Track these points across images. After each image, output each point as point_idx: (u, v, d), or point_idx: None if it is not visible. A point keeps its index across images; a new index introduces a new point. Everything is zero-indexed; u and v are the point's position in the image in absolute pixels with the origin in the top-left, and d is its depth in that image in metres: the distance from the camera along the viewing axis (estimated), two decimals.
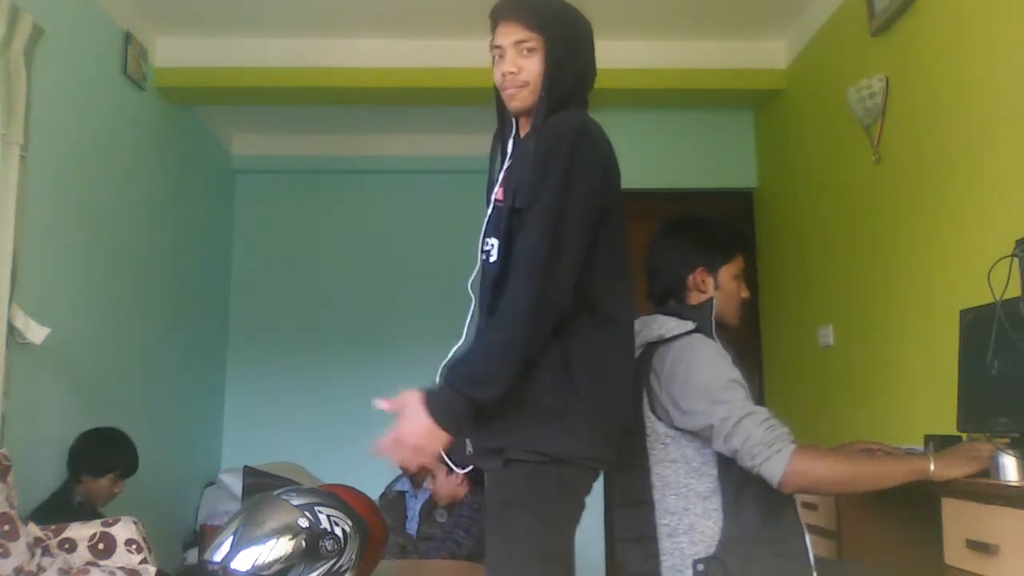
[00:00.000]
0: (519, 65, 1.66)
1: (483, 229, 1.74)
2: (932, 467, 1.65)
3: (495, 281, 1.62)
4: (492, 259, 1.66)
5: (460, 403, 1.47)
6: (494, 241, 1.66)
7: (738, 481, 1.73)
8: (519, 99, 1.68)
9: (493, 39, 1.71)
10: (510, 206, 1.62)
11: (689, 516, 1.75)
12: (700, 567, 1.71)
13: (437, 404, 1.48)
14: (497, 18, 1.71)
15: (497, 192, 1.71)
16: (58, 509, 2.77)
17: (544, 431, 1.54)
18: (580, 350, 1.57)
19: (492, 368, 1.49)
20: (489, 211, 1.73)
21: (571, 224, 1.54)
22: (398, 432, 1.49)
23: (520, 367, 1.50)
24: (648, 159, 4.25)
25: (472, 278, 1.76)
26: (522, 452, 1.53)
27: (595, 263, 1.60)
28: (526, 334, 1.50)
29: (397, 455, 1.51)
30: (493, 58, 1.72)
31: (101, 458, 3.01)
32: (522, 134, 1.75)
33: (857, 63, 3.29)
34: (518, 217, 1.59)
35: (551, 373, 1.55)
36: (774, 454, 1.64)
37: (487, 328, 1.57)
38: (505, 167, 1.73)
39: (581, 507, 1.62)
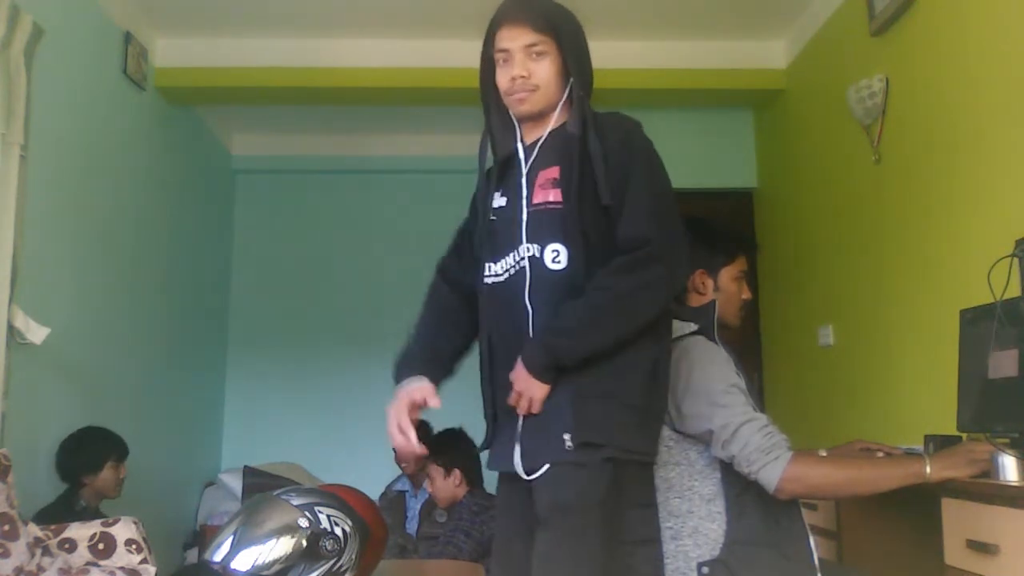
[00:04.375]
0: (529, 69, 1.64)
1: (522, 233, 1.64)
2: (928, 469, 1.65)
3: (567, 286, 1.59)
4: (560, 265, 1.60)
5: (540, 352, 1.55)
6: (559, 246, 1.60)
7: (742, 483, 1.72)
8: (530, 103, 1.66)
9: (496, 43, 1.68)
10: (574, 207, 1.59)
11: (693, 519, 1.75)
12: (705, 570, 1.71)
13: (526, 353, 1.57)
14: (501, 22, 1.68)
15: (547, 194, 1.64)
16: (61, 516, 2.76)
17: (636, 430, 1.58)
18: (664, 350, 1.64)
19: (584, 326, 1.54)
20: (525, 216, 1.65)
21: (672, 213, 1.62)
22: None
23: (609, 339, 1.53)
24: None
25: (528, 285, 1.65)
26: (619, 450, 1.54)
27: None
28: (629, 319, 1.54)
29: (514, 400, 1.59)
30: (496, 62, 1.69)
31: (92, 452, 3.01)
32: (527, 138, 1.72)
33: (857, 63, 3.29)
34: (600, 215, 1.60)
35: (644, 372, 1.58)
36: (771, 461, 1.64)
37: (589, 294, 1.56)
38: (538, 168, 1.68)
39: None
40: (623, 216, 1.57)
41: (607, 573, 1.52)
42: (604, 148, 1.60)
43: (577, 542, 1.52)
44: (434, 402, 1.69)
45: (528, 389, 1.56)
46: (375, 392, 5.04)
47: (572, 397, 1.55)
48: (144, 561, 2.54)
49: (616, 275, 1.55)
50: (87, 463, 3.00)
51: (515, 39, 1.65)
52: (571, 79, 1.67)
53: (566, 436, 1.52)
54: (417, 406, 1.70)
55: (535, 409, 1.56)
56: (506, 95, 1.69)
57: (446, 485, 3.22)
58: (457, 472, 3.20)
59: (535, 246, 1.63)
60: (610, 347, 1.54)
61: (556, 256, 1.61)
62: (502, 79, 1.68)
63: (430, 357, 1.76)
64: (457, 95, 4.12)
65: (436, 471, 3.23)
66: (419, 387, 1.70)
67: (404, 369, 1.75)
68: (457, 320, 1.81)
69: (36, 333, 2.81)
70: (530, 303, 1.62)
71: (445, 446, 3.25)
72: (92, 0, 3.45)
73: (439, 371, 1.75)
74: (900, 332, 3.00)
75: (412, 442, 1.66)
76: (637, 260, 1.54)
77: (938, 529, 1.79)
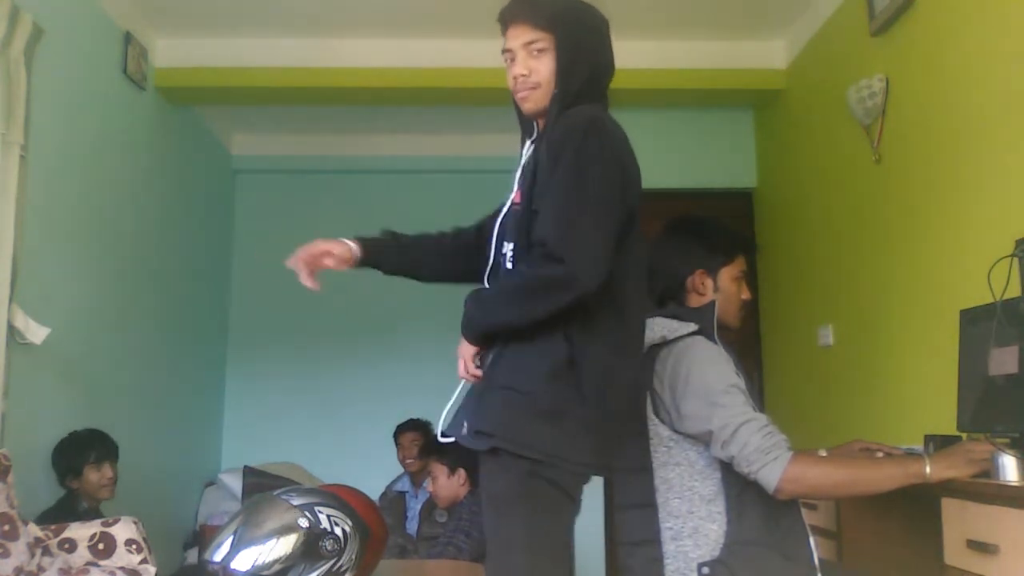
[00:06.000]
0: (530, 67, 1.65)
1: (495, 231, 1.71)
2: (928, 470, 1.65)
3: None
4: (510, 265, 1.64)
5: (464, 319, 1.62)
6: (511, 246, 1.64)
7: (742, 484, 1.72)
8: (532, 100, 1.67)
9: (504, 44, 1.69)
10: (526, 207, 1.61)
11: (693, 519, 1.75)
12: (705, 570, 1.70)
13: (463, 318, 1.63)
14: (506, 22, 1.69)
15: (515, 194, 1.68)
16: (63, 518, 2.76)
17: (537, 430, 1.52)
18: (594, 353, 1.54)
19: (488, 304, 1.60)
20: (504, 212, 1.70)
21: (584, 214, 1.51)
22: None
23: (497, 325, 1.58)
24: (648, 159, 4.19)
25: (487, 273, 1.74)
26: (511, 445, 1.51)
27: (627, 269, 1.58)
28: (519, 311, 1.54)
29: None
30: (506, 63, 1.70)
31: (71, 456, 3.01)
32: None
33: (857, 63, 3.29)
34: (535, 218, 1.58)
35: (552, 372, 1.52)
36: (771, 461, 1.64)
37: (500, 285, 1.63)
38: (519, 168, 1.72)
39: (577, 507, 1.60)
40: (538, 216, 1.57)
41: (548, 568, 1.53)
42: (547, 149, 1.59)
43: (498, 524, 1.56)
44: (329, 262, 1.84)
45: (460, 346, 1.65)
46: (375, 392, 5.08)
47: (482, 387, 1.61)
48: (144, 561, 2.54)
49: (524, 268, 1.58)
50: (68, 467, 2.99)
51: (516, 38, 1.66)
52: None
53: (465, 423, 1.62)
54: (324, 255, 1.84)
55: (470, 367, 1.63)
56: (513, 94, 1.70)
57: (450, 484, 3.21)
58: (462, 472, 3.20)
59: (505, 244, 1.68)
60: (503, 330, 1.58)
61: (510, 255, 1.65)
62: (509, 78, 1.69)
63: (387, 242, 1.89)
64: (458, 95, 4.13)
65: (440, 470, 3.22)
66: (340, 242, 1.83)
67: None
68: (441, 253, 1.89)
69: (36, 333, 2.81)
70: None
71: (451, 445, 3.25)
72: (92, 0, 3.45)
73: (377, 252, 1.88)
74: (900, 332, 3.00)
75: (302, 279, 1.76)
76: (539, 258, 1.53)
77: (938, 529, 1.79)
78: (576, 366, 1.53)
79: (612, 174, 1.56)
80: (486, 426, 1.55)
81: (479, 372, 1.63)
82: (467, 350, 1.63)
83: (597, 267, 1.49)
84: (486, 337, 1.61)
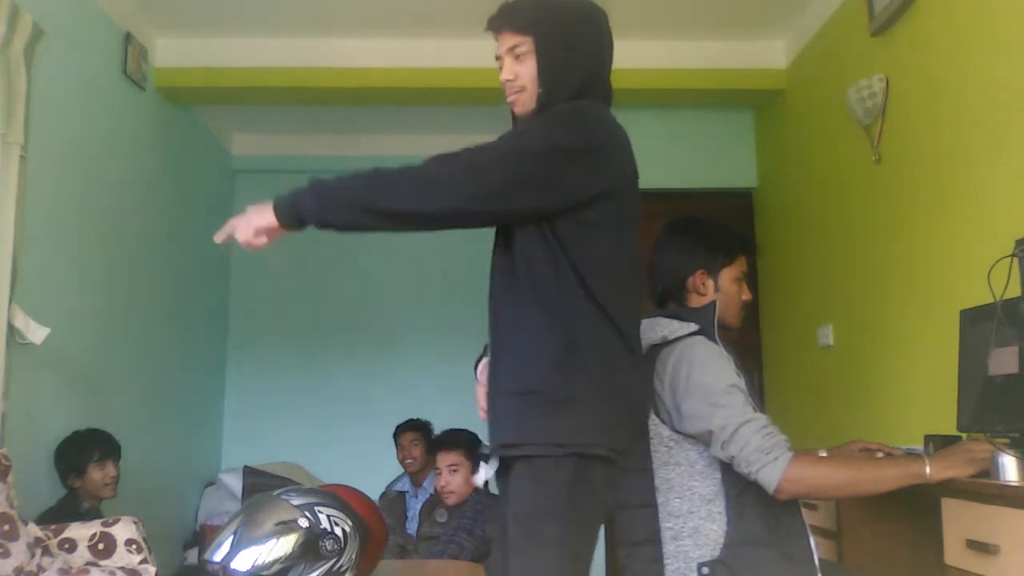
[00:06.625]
0: (515, 72, 1.65)
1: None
2: (928, 470, 1.65)
3: (494, 281, 1.63)
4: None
5: (304, 197, 1.64)
6: (499, 244, 1.65)
7: (742, 484, 1.72)
8: (520, 104, 1.67)
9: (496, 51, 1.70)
10: None
11: (693, 519, 1.74)
12: (705, 570, 1.70)
13: (287, 193, 1.63)
14: (493, 30, 1.70)
15: None
16: (64, 518, 2.76)
17: (559, 420, 1.48)
18: (586, 331, 1.51)
19: (361, 189, 1.60)
20: None
21: (502, 152, 1.52)
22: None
23: (372, 215, 1.62)
24: (648, 159, 4.20)
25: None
26: (538, 447, 1.47)
27: (590, 251, 1.54)
28: (374, 195, 1.58)
29: (235, 225, 1.66)
30: (499, 69, 1.70)
31: (73, 456, 3.01)
32: None
33: (857, 63, 3.29)
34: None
35: (556, 355, 1.49)
36: (771, 461, 1.64)
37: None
38: None
39: (607, 507, 1.56)
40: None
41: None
42: None
43: (541, 550, 1.47)
44: None
45: (251, 211, 1.63)
46: (375, 392, 5.09)
47: (492, 400, 1.58)
48: (144, 561, 2.54)
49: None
50: (71, 466, 3.00)
51: (502, 44, 1.67)
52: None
53: (489, 442, 1.58)
54: None
55: (250, 240, 1.63)
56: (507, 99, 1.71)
57: (471, 480, 3.21)
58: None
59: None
60: (361, 206, 1.63)
61: (498, 252, 1.66)
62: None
63: None
64: (457, 95, 4.14)
65: (466, 466, 3.21)
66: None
67: None
68: None
69: (36, 333, 2.81)
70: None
71: (477, 444, 3.24)
72: (92, 0, 3.45)
73: None
74: (900, 332, 3.00)
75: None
76: (444, 154, 1.53)
77: (938, 529, 1.79)
78: (577, 347, 1.50)
79: (566, 142, 1.52)
80: (510, 437, 1.52)
81: (257, 241, 1.61)
82: (257, 215, 1.64)
83: (462, 193, 1.49)
84: (300, 221, 1.60)
